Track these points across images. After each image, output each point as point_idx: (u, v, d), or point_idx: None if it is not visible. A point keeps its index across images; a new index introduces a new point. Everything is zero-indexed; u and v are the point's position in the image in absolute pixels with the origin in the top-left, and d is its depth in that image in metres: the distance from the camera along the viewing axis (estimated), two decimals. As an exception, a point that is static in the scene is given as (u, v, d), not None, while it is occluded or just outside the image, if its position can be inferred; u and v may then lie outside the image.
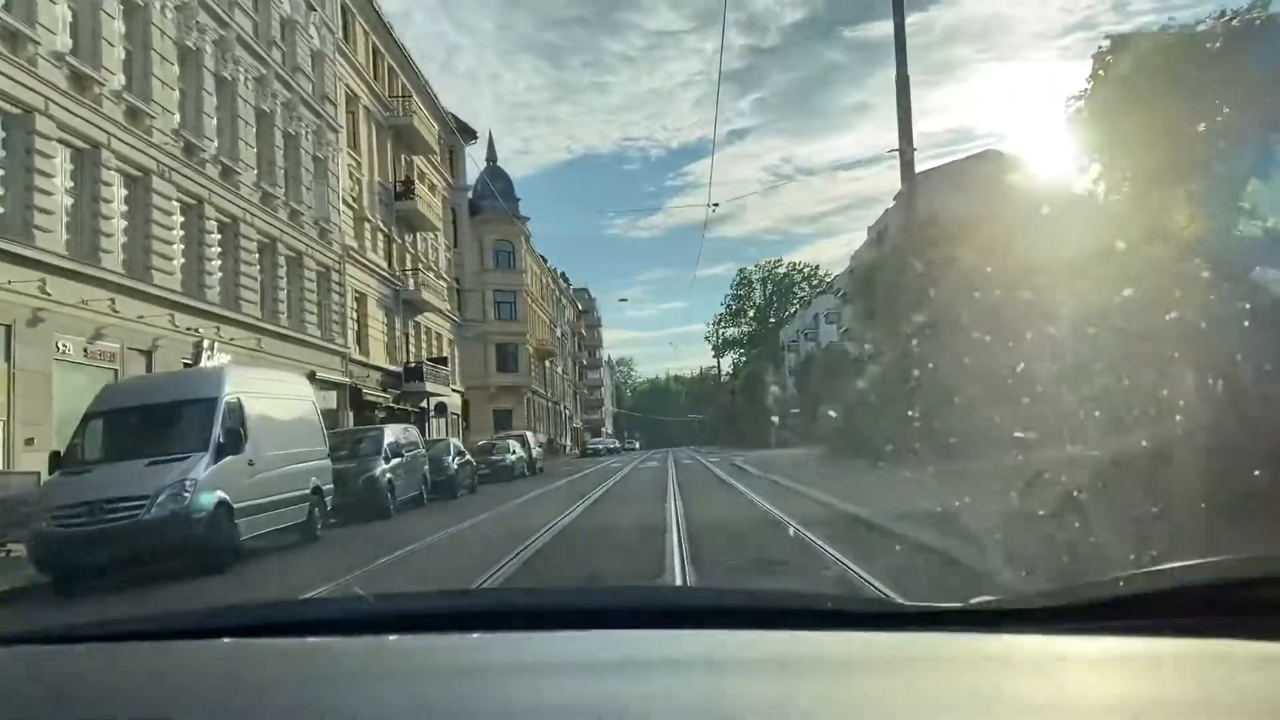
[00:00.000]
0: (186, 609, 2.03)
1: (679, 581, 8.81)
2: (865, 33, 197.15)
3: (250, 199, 25.58)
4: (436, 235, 46.70)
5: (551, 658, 1.39)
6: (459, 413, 49.71)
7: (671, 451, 72.40)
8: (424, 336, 43.41)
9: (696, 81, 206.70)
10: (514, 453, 35.16)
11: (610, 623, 1.47)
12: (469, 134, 51.55)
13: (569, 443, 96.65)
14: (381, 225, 37.54)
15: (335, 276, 31.96)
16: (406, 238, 41.56)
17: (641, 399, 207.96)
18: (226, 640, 1.53)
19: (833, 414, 44.11)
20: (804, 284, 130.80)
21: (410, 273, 39.85)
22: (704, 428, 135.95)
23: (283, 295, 27.67)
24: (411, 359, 40.02)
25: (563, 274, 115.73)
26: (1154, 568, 1.40)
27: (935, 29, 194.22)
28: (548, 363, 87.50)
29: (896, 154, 17.12)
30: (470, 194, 72.38)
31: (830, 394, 64.24)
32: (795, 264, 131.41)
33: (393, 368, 37.85)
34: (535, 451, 40.43)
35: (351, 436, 21.35)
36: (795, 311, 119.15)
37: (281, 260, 27.77)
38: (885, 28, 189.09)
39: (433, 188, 46.56)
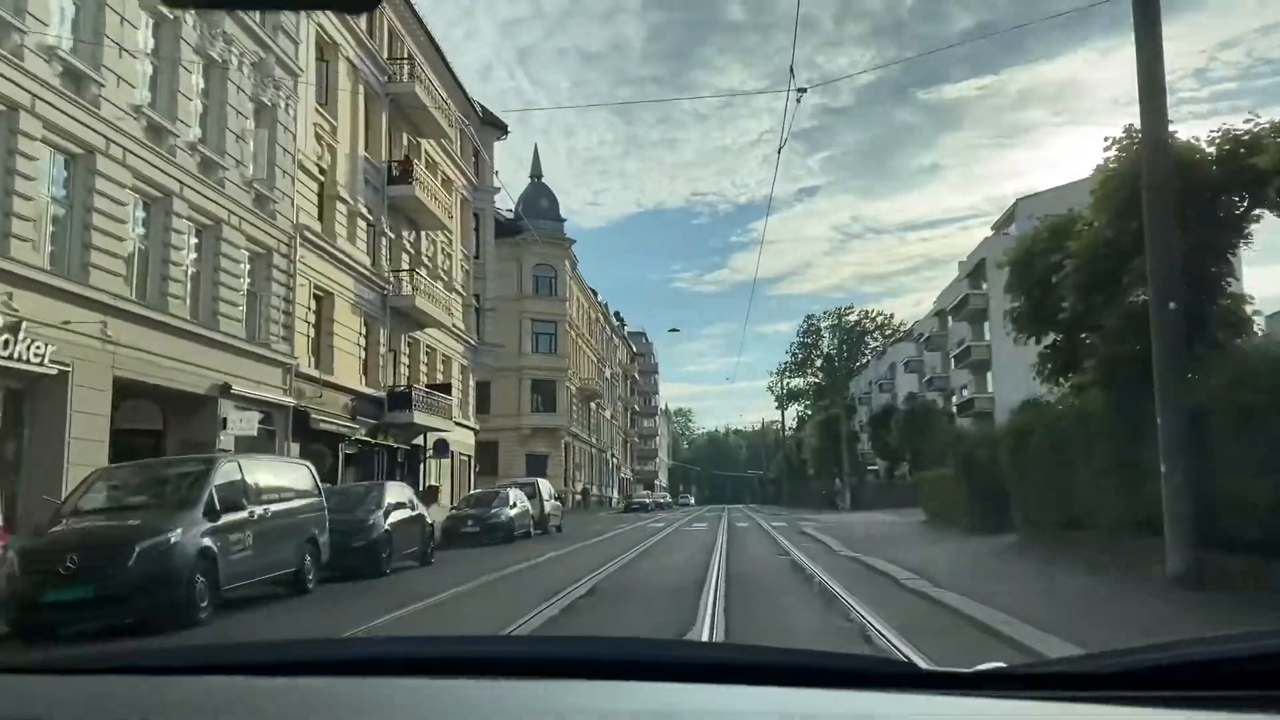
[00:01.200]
0: (182, 645, 2.12)
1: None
2: (938, 95, 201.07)
3: (121, 125, 17.69)
4: (450, 240, 38.87)
5: (561, 707, 1.35)
6: (470, 454, 41.46)
7: (727, 511, 63.32)
8: (423, 357, 35.36)
9: (767, 139, 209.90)
10: (514, 505, 26.71)
11: (627, 675, 1.43)
12: (499, 127, 43.86)
13: (615, 495, 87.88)
14: (365, 210, 29.69)
15: (280, 262, 24.03)
16: (405, 234, 33.70)
17: (699, 452, 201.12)
18: (219, 678, 1.53)
19: (928, 472, 35.04)
20: (876, 334, 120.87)
21: (404, 275, 31.88)
22: (764, 484, 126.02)
23: (179, 273, 19.68)
24: (403, 383, 31.92)
25: (616, 313, 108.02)
26: (1191, 637, 1.31)
27: (1008, 92, 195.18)
28: (593, 405, 79.17)
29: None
30: (513, 213, 65.04)
31: (920, 448, 54.90)
32: (867, 312, 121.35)
33: (370, 391, 29.77)
34: (549, 505, 31.92)
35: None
36: (867, 362, 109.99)
37: (182, 224, 19.83)
38: (958, 90, 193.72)
39: (448, 183, 38.84)
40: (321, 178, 27.09)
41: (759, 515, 52.13)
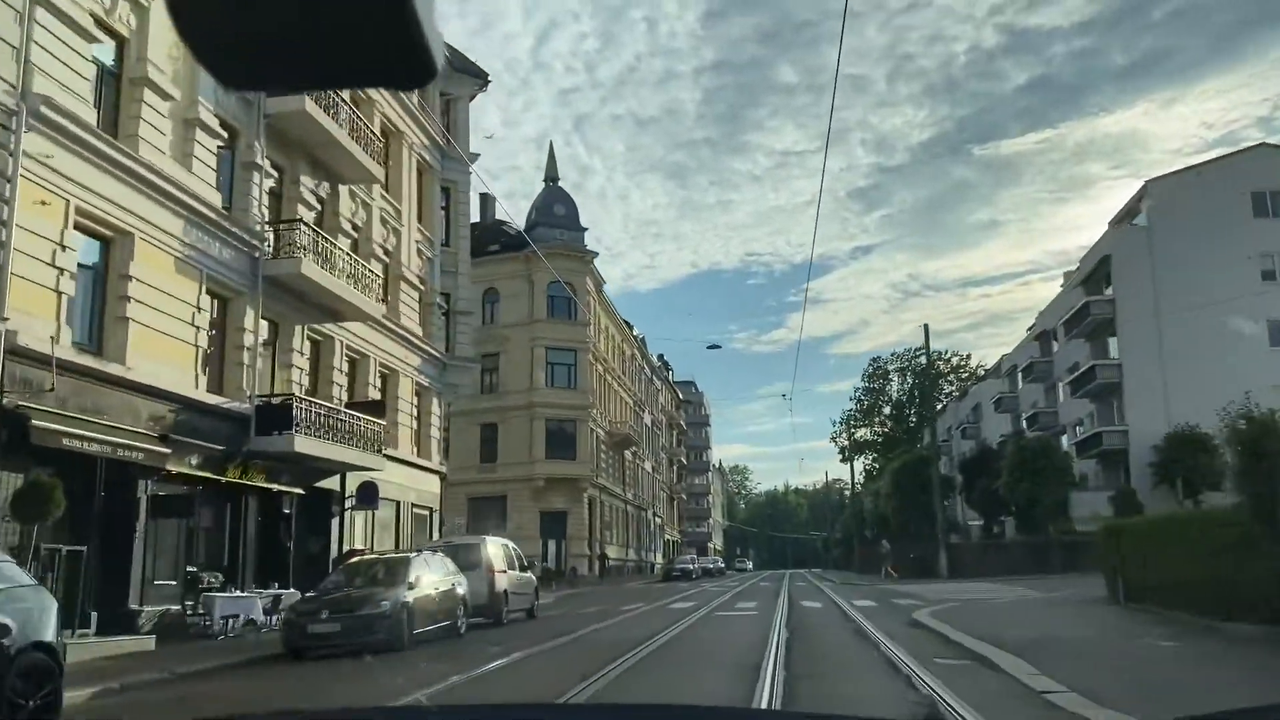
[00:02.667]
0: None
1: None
2: (995, 150, 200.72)
3: None
4: (397, 213, 28.33)
5: None
6: (433, 508, 30.32)
7: (788, 580, 51.23)
8: (339, 365, 24.53)
9: (822, 199, 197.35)
10: (412, 585, 15.36)
11: None
12: (477, 76, 33.49)
13: (657, 559, 75.96)
14: (210, 117, 19.12)
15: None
16: (305, 182, 23.12)
17: (757, 513, 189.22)
18: None
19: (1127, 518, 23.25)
20: (951, 377, 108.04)
21: (294, 231, 21.09)
22: (828, 547, 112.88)
23: None
24: (293, 393, 21.00)
25: (660, 356, 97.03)
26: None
27: (1066, 146, 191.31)
28: (628, 455, 67.77)
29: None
30: (526, 219, 54.63)
31: (1037, 497, 42.60)
32: (940, 353, 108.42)
33: (218, 401, 18.97)
34: (510, 579, 20.48)
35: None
36: (944, 406, 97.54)
37: None
38: (1016, 145, 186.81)
39: (393, 134, 28.42)
40: (103, 39, 16.58)
41: (829, 585, 40.12)
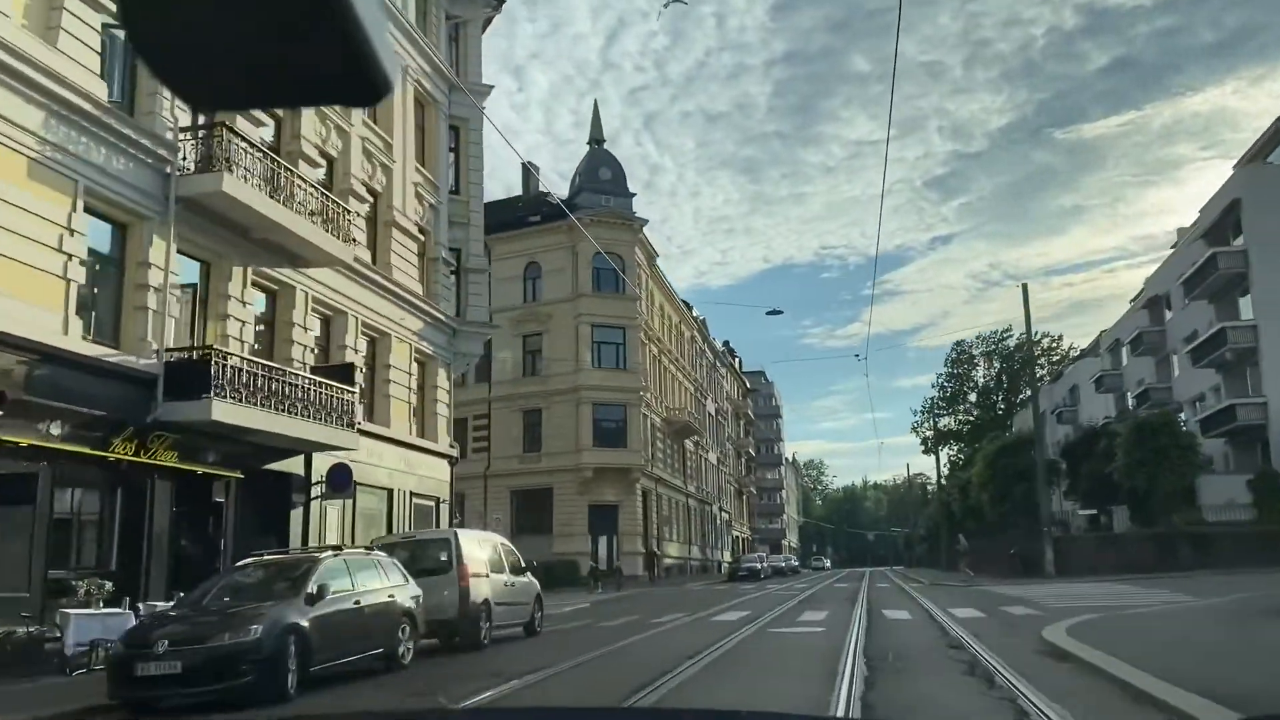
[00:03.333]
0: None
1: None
2: (1078, 134, 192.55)
3: None
4: (386, 146, 23.67)
5: None
6: (440, 499, 25.58)
7: (867, 580, 45.68)
8: (300, 321, 19.87)
9: (897, 189, 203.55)
10: (314, 601, 10.50)
11: None
12: (488, -2, 28.75)
13: (724, 557, 70.65)
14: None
15: None
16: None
17: (834, 508, 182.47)
18: None
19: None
20: (1043, 360, 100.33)
21: (217, 140, 16.45)
22: (910, 544, 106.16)
23: None
24: (238, 351, 16.40)
25: (726, 343, 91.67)
26: None
27: (1152, 128, 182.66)
28: (689, 445, 62.61)
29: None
30: (570, 186, 49.95)
31: (1157, 481, 36.30)
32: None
33: (102, 353, 14.44)
34: (495, 584, 15.55)
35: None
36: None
37: None
38: (1098, 128, 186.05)
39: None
40: None
41: (916, 588, 34.55)
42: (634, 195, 50.20)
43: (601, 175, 49.44)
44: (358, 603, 11.36)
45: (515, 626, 16.54)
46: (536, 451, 47.26)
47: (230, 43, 0.85)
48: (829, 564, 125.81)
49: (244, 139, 17.10)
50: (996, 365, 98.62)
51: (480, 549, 15.48)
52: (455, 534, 15.07)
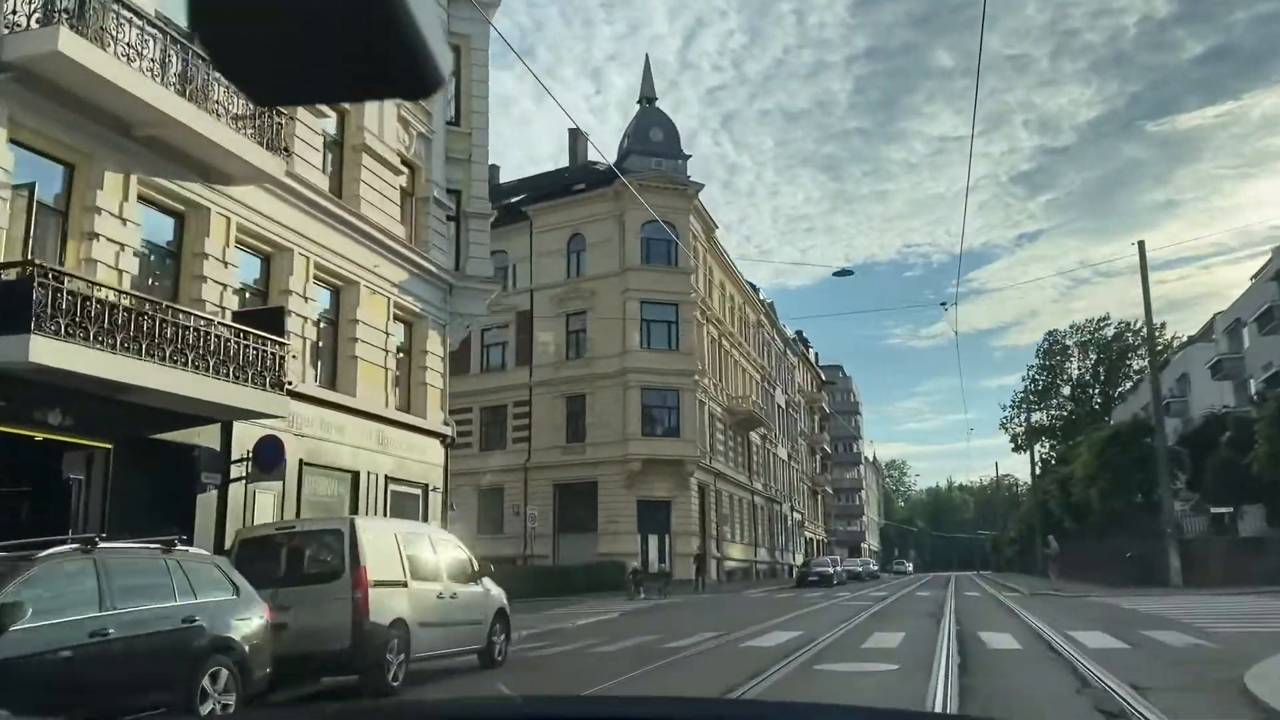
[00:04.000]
0: None
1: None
2: (1171, 126, 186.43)
3: None
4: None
5: None
6: (430, 487, 21.13)
7: (954, 587, 40.22)
8: (222, 250, 15.52)
9: (982, 185, 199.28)
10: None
11: None
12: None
13: (795, 560, 65.33)
14: None
15: None
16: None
17: (917, 510, 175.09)
18: None
19: None
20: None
21: None
22: (999, 547, 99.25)
23: None
24: (113, 283, 12.19)
25: (799, 333, 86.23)
26: None
27: (1251, 118, 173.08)
28: (754, 437, 57.57)
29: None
30: (619, 147, 45.36)
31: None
32: (1129, 324, 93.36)
33: None
34: (434, 592, 10.99)
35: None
36: (1137, 383, 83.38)
37: None
38: (1194, 119, 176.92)
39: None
40: None
41: (1014, 598, 29.14)
42: (688, 157, 45.46)
43: (652, 136, 44.75)
44: (106, 634, 6.85)
45: (464, 654, 11.94)
46: (580, 442, 42.81)
47: (288, 38, 0.88)
48: (911, 568, 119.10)
49: (126, 4, 12.84)
50: (1093, 356, 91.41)
51: (399, 545, 10.88)
52: (353, 523, 10.41)
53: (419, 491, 20.59)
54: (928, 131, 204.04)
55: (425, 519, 20.40)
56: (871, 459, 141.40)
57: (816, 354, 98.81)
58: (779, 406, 67.39)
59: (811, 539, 79.16)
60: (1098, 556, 39.92)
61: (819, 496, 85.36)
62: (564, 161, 54.04)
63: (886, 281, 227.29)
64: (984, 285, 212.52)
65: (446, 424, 21.74)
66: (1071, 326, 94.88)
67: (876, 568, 73.34)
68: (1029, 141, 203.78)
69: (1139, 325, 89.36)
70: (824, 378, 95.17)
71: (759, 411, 54.94)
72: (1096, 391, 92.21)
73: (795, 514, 70.93)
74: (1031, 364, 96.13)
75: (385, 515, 18.79)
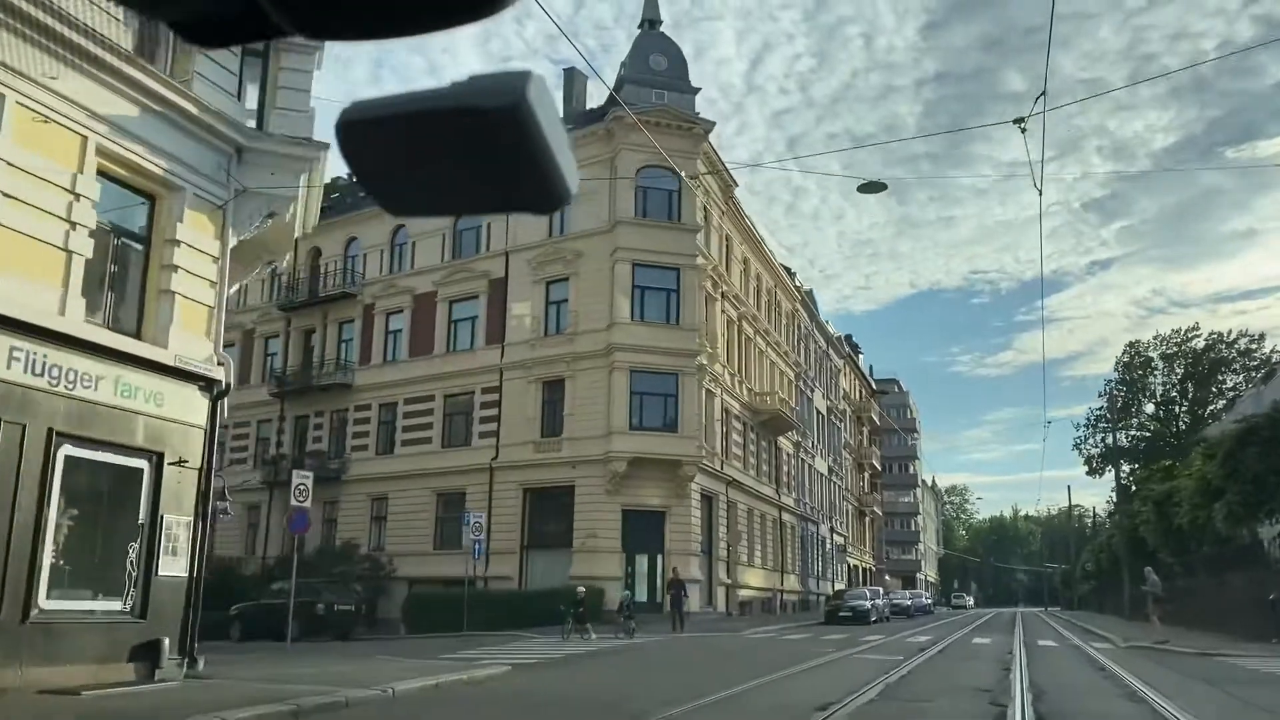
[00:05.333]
0: None
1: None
2: (1252, 152, 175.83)
3: None
4: None
5: None
6: (181, 458, 13.26)
7: (1021, 632, 31.33)
8: None
9: (1053, 211, 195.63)
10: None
11: None
12: None
13: (831, 589, 56.29)
14: None
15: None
16: None
17: (981, 541, 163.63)
18: None
19: None
20: (1238, 364, 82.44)
21: None
22: (1069, 582, 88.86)
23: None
24: None
25: (848, 337, 77.56)
26: None
27: None
28: (784, 444, 49.05)
29: None
30: (616, 78, 37.26)
31: None
32: (1221, 335, 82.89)
33: None
34: None
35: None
36: (1233, 400, 73.24)
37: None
38: (1276, 146, 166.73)
39: None
40: None
41: (1109, 653, 20.27)
42: (697, 90, 37.10)
43: (654, 64, 36.65)
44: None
45: None
46: (556, 436, 34.74)
47: (431, 161, 0.92)
48: (971, 602, 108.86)
49: None
50: (1179, 370, 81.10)
51: None
52: None
53: (141, 464, 12.62)
54: (996, 156, 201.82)
55: (155, 510, 12.47)
56: (931, 483, 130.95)
57: (871, 366, 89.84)
58: (819, 412, 58.59)
59: (857, 566, 69.92)
60: (1211, 597, 30.74)
61: (867, 519, 76.01)
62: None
63: (953, 308, 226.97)
64: (1053, 314, 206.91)
65: (219, 362, 13.76)
66: (1156, 337, 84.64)
67: (929, 601, 63.88)
68: (1103, 167, 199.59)
69: (1234, 337, 79.16)
70: (875, 387, 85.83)
71: (790, 413, 46.30)
72: (1183, 410, 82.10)
73: (836, 537, 61.87)
74: (1110, 378, 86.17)
75: (50, 494, 10.90)
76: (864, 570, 72.39)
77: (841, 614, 36.96)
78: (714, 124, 35.90)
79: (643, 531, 33.32)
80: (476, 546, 28.37)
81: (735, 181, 40.33)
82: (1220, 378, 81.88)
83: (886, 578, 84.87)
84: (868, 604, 37.78)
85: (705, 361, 35.74)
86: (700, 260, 35.72)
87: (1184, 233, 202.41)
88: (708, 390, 36.63)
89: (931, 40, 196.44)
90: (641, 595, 32.11)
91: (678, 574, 25.83)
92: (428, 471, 37.09)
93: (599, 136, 35.16)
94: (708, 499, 36.61)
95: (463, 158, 0.90)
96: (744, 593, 40.18)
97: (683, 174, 28.33)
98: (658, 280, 34.50)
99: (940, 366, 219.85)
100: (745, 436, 42.48)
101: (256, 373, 43.97)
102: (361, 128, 0.92)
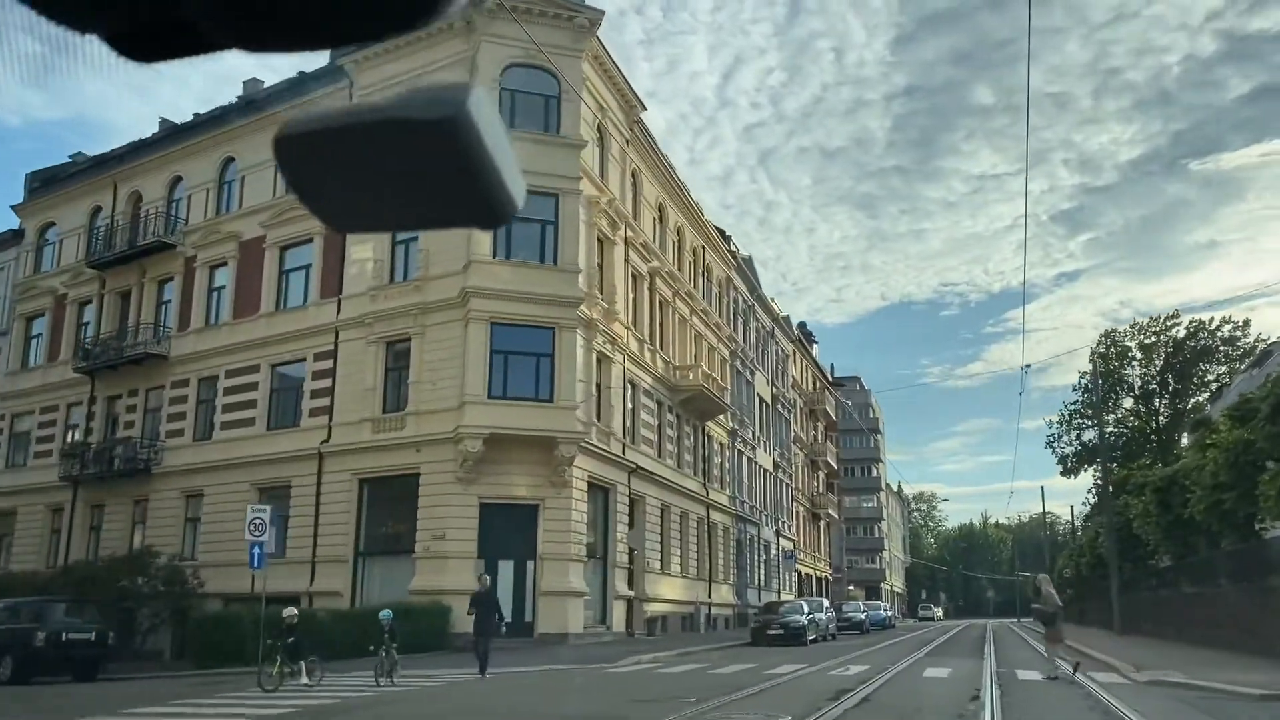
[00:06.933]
0: None
1: None
2: (1215, 165, 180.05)
3: None
4: None
5: None
6: None
7: (992, 645, 24.06)
8: None
9: (1022, 223, 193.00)
10: None
11: None
12: None
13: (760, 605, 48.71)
14: None
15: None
16: None
17: (949, 549, 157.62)
18: None
19: None
20: (1221, 353, 76.15)
21: None
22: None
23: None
24: None
25: (802, 325, 70.61)
26: None
27: None
28: (715, 431, 41.57)
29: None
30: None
31: None
32: (1203, 323, 76.66)
33: None
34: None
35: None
36: (1218, 390, 67.52)
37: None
38: (1238, 159, 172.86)
39: None
40: None
41: (1129, 694, 12.97)
42: (582, -24, 29.74)
43: (527, -56, 29.25)
44: None
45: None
46: (399, 412, 27.13)
47: (370, 176, 0.92)
48: (940, 613, 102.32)
49: None
50: (1158, 361, 74.66)
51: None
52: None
53: None
54: (966, 170, 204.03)
55: None
56: (897, 488, 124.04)
57: (832, 365, 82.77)
58: (762, 399, 51.23)
59: (810, 575, 62.51)
60: (1244, 607, 23.59)
61: (822, 522, 68.66)
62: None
63: (923, 320, 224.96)
64: (1021, 325, 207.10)
65: None
66: (1133, 325, 78.32)
67: (889, 614, 56.39)
68: (1069, 180, 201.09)
69: (1216, 325, 72.86)
70: (831, 378, 78.67)
71: (718, 394, 38.81)
72: (1163, 402, 75.81)
73: (784, 541, 54.45)
74: (1082, 371, 79.64)
75: None
76: (819, 579, 65.04)
77: (771, 632, 29.55)
78: (603, 13, 28.44)
79: (508, 531, 25.76)
80: (256, 552, 20.50)
81: (643, 104, 32.94)
82: (1203, 367, 75.69)
83: (850, 587, 77.71)
84: (803, 619, 30.32)
85: (597, 316, 28.30)
86: (588, 188, 28.31)
87: (1149, 244, 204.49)
88: (601, 353, 29.19)
89: (901, 54, 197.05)
90: (507, 613, 24.52)
91: (485, 585, 18.19)
92: (248, 460, 29.41)
93: (458, 31, 27.70)
94: (601, 490, 29.13)
95: (403, 171, 0.88)
96: (654, 607, 32.62)
97: (559, 87, 20.98)
98: (530, 208, 26.95)
99: (911, 378, 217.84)
100: (660, 418, 35.01)
101: (68, 347, 36.02)
102: (299, 141, 0.90)
